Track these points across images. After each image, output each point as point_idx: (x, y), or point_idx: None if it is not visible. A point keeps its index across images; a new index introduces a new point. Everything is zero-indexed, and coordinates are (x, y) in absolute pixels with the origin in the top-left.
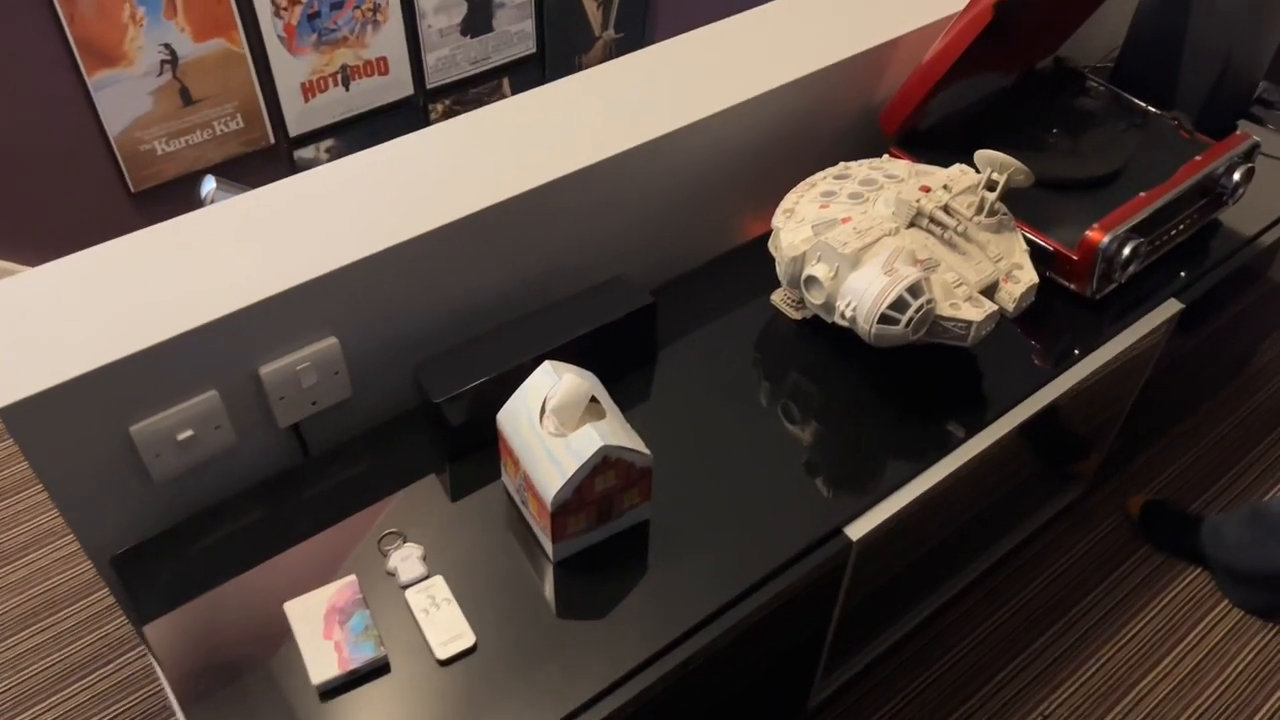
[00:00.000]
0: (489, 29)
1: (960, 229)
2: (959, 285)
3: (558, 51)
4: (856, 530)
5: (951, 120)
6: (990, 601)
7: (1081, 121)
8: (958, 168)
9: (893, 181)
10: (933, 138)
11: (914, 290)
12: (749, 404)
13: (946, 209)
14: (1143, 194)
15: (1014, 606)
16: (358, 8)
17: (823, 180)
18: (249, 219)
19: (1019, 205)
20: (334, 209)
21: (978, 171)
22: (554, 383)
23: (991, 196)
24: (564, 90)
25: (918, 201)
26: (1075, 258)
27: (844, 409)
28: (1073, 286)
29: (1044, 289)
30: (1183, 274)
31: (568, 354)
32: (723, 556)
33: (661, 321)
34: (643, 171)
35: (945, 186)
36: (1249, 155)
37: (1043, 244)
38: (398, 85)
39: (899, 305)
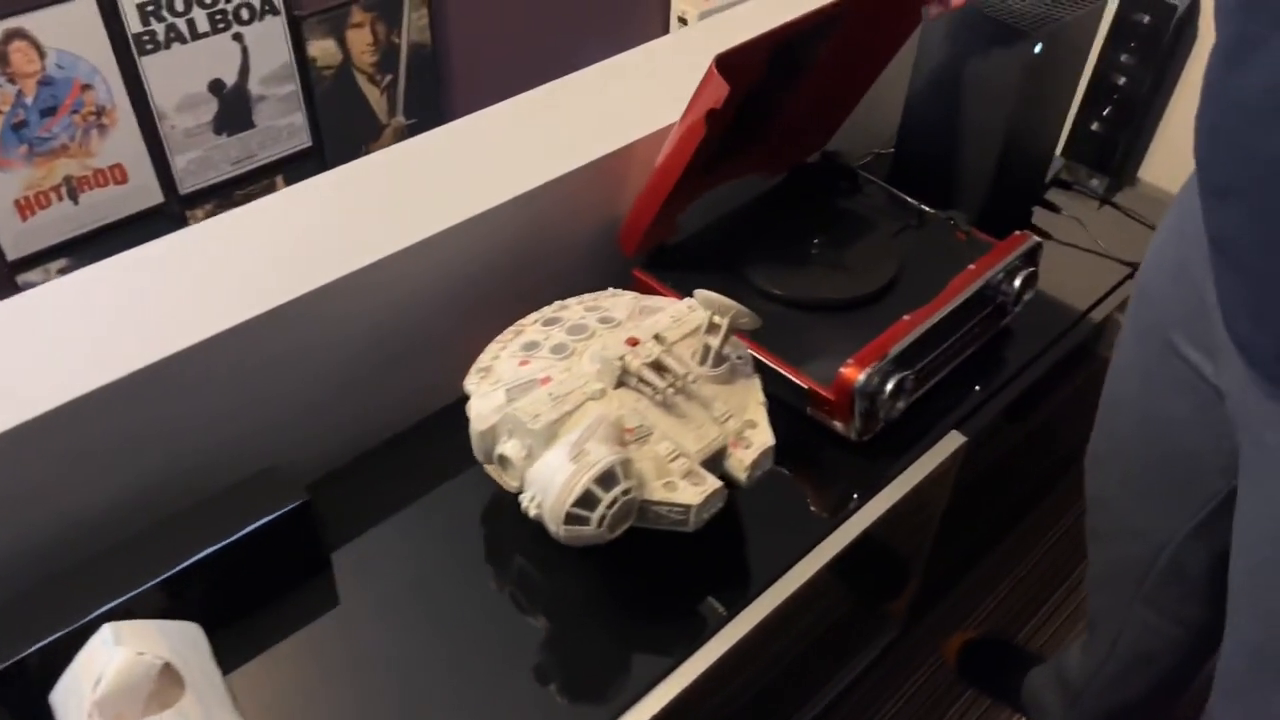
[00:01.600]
0: (249, 125)
1: (678, 386)
2: (675, 458)
3: (339, 143)
4: None
5: (708, 233)
6: None
7: (849, 227)
8: (686, 304)
9: (607, 327)
10: (685, 255)
11: (607, 480)
12: (460, 604)
13: (659, 365)
14: (906, 316)
15: None
16: (75, 113)
17: (531, 326)
18: None
19: (772, 333)
20: None
21: None
22: (108, 658)
23: (715, 343)
24: (225, 228)
25: (621, 359)
26: (832, 398)
27: (584, 599)
28: (837, 427)
29: (812, 428)
30: (966, 400)
31: (179, 588)
32: None
33: (351, 506)
34: (325, 319)
35: (658, 336)
36: (1030, 258)
37: (797, 382)
38: (141, 194)
39: (587, 501)
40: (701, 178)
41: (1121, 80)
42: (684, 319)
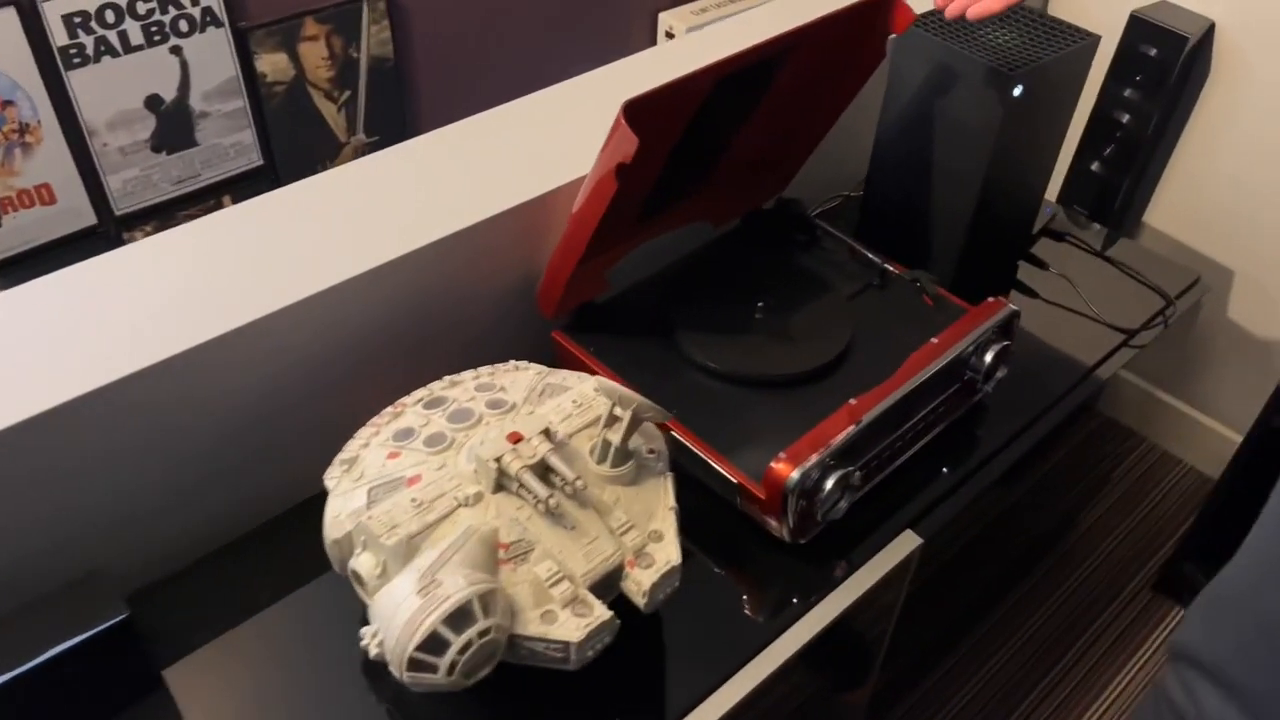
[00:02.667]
0: (191, 143)
1: (568, 492)
2: (557, 581)
3: (293, 162)
4: None
5: (641, 290)
6: None
7: (800, 288)
8: (593, 386)
9: (496, 413)
10: (612, 315)
11: (459, 619)
12: None
13: (544, 467)
14: (853, 401)
15: None
16: None
17: (411, 408)
18: None
19: (704, 412)
20: None
21: None
22: None
23: (615, 439)
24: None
25: (498, 460)
26: (762, 496)
27: None
28: (772, 525)
29: (748, 523)
30: (923, 494)
31: None
32: None
33: (198, 612)
34: (161, 402)
35: (547, 431)
36: (1005, 329)
37: (725, 474)
38: (72, 215)
39: (433, 645)
40: (633, 227)
41: (1125, 118)
42: (588, 405)
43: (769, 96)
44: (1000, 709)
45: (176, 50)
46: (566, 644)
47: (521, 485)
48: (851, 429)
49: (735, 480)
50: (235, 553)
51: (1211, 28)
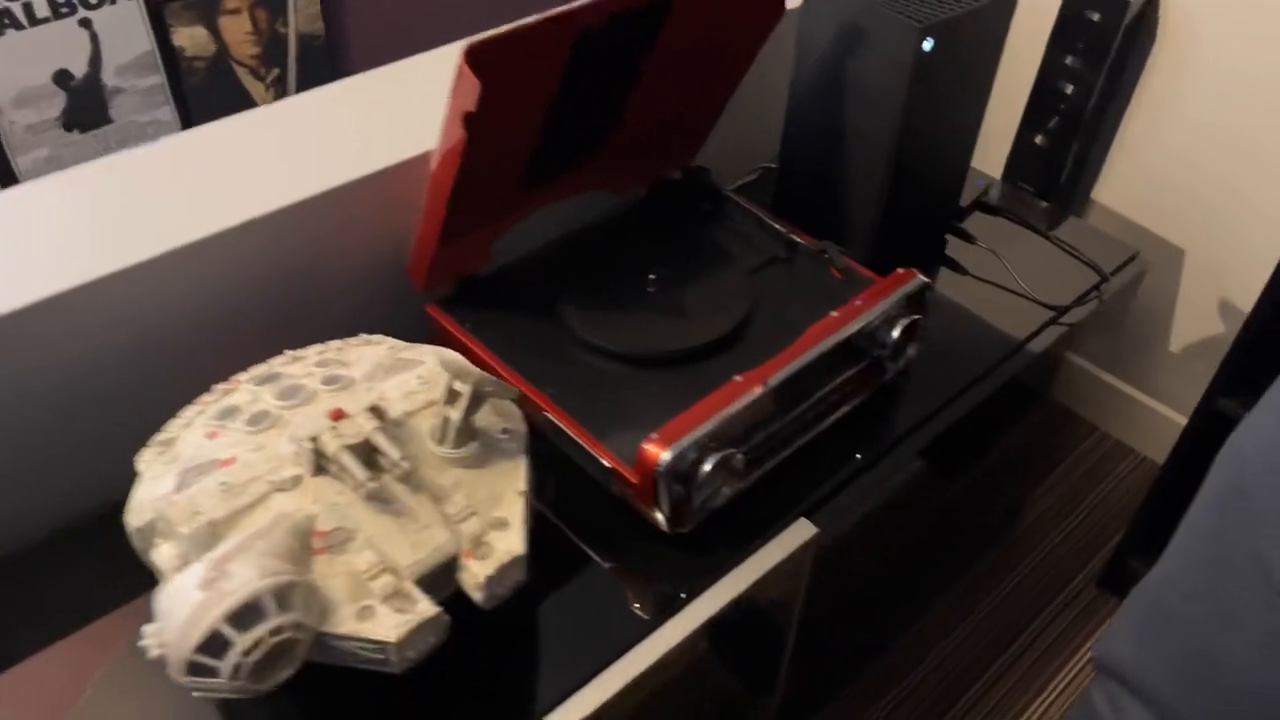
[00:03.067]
0: (105, 121)
1: (396, 474)
2: (378, 574)
3: None
4: None
5: (530, 263)
6: None
7: (699, 261)
8: (440, 361)
9: (331, 390)
10: (495, 290)
11: (246, 616)
12: None
13: (371, 448)
14: (738, 377)
15: None
16: None
17: (244, 385)
18: None
19: (585, 393)
20: None
21: None
22: None
23: (455, 417)
24: None
25: (315, 440)
26: (634, 480)
27: None
28: (648, 513)
29: (627, 516)
30: (825, 481)
31: None
32: None
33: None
34: None
35: (376, 408)
36: (917, 302)
37: (598, 457)
38: None
39: (213, 647)
40: (516, 195)
41: (1069, 88)
42: (434, 381)
43: (657, 53)
44: (937, 707)
45: (86, 23)
46: (383, 644)
47: (341, 467)
48: (733, 407)
49: (608, 464)
50: (60, 550)
51: None
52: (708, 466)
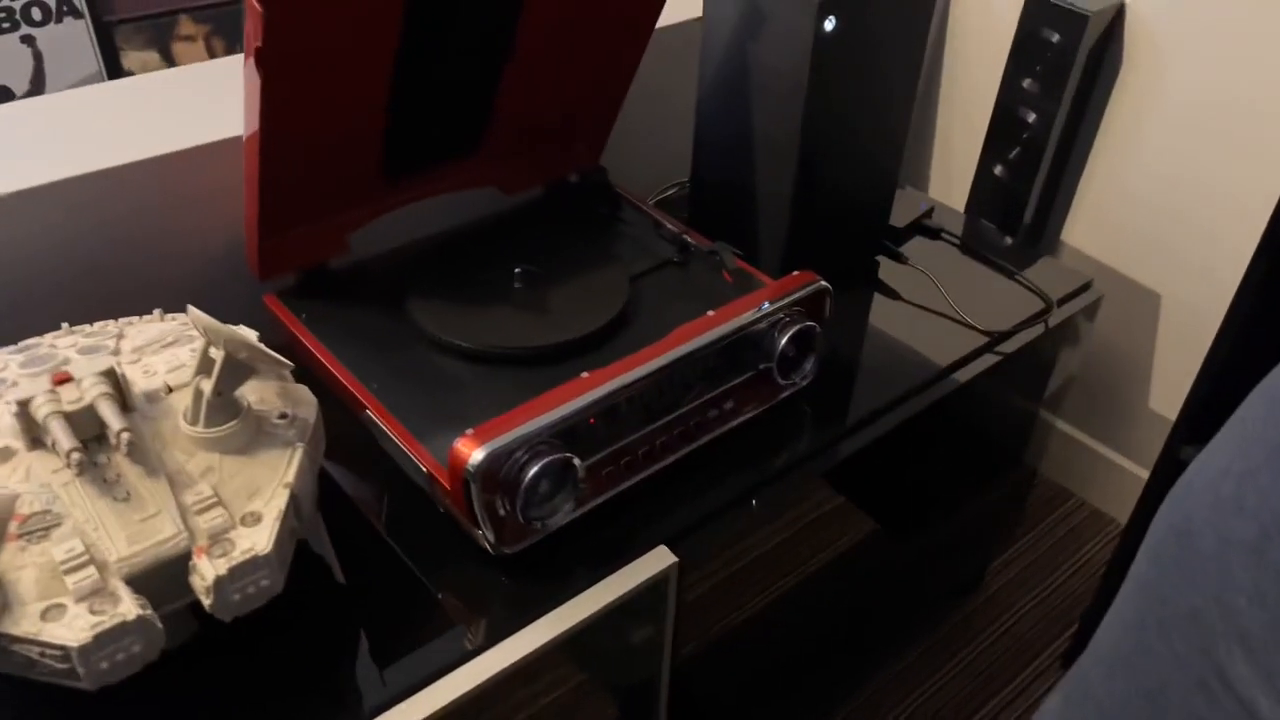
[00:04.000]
0: None
1: (121, 450)
2: (79, 566)
3: None
4: None
5: (394, 257)
6: None
7: (578, 261)
8: (194, 322)
9: (86, 359)
10: (347, 282)
11: None
12: None
13: (99, 421)
14: (585, 374)
15: None
16: None
17: (2, 352)
18: None
19: (420, 393)
20: None
21: None
22: None
23: (207, 389)
24: None
25: (24, 405)
26: (447, 486)
27: None
28: (469, 526)
29: (458, 535)
30: (694, 504)
31: None
32: None
33: None
34: None
35: (109, 372)
36: (814, 305)
37: (416, 460)
38: None
39: None
40: (374, 185)
41: (1031, 116)
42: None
43: (526, 33)
44: None
45: (29, 40)
46: (64, 650)
47: (52, 438)
48: (571, 405)
49: (424, 467)
50: None
51: (1121, 9)
52: (532, 472)
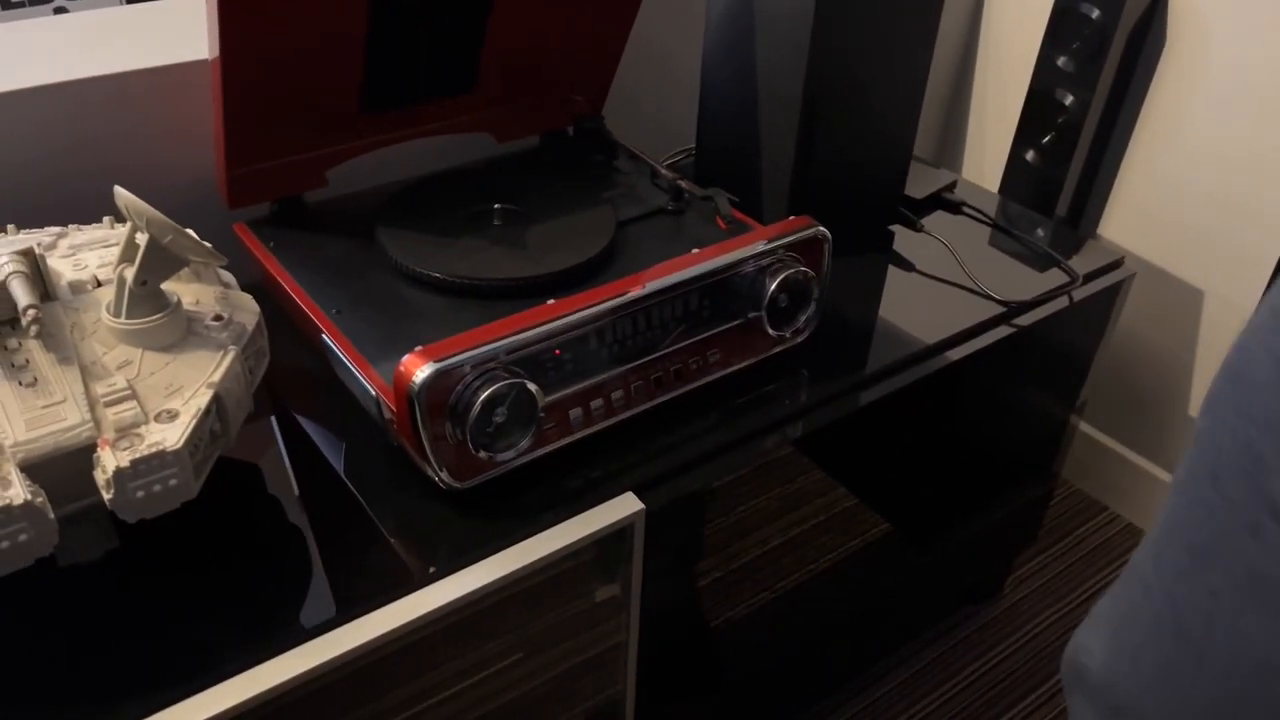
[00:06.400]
0: None
1: (30, 330)
2: None
3: None
4: None
5: (375, 195)
6: None
7: (566, 204)
8: (122, 204)
9: (11, 239)
10: (320, 215)
11: None
12: None
13: (10, 303)
14: (552, 300)
15: None
16: None
17: None
18: None
19: (379, 321)
20: None
21: None
22: None
23: (129, 276)
24: None
25: None
26: (394, 407)
27: None
28: (414, 455)
29: (413, 470)
30: (670, 454)
31: None
32: None
33: None
34: None
35: (26, 251)
36: (811, 254)
37: (365, 383)
38: None
39: None
40: (353, 118)
41: (1067, 99)
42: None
43: None
44: None
45: None
46: None
47: None
48: (531, 331)
49: (374, 390)
50: None
51: None
52: (485, 394)
